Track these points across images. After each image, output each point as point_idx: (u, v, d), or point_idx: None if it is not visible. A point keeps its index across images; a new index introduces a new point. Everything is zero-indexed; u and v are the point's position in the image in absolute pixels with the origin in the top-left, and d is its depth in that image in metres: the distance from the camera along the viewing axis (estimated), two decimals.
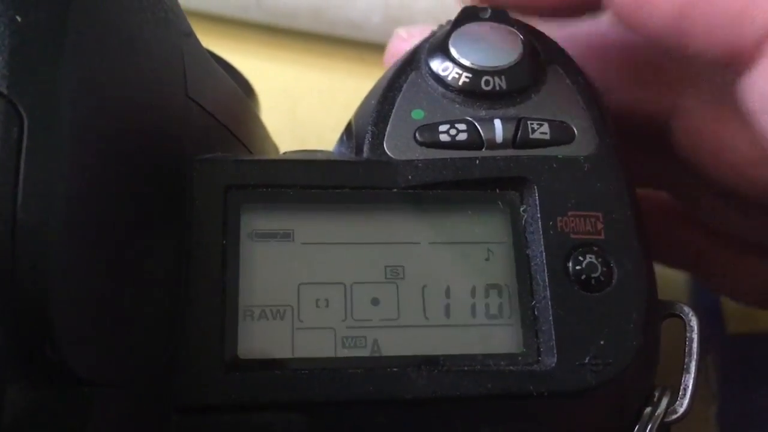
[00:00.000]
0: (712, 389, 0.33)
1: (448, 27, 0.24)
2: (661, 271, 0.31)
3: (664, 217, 0.30)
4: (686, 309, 0.22)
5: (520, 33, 0.23)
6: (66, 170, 0.16)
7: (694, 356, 0.22)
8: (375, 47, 0.45)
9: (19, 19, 0.17)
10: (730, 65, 0.22)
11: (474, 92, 0.22)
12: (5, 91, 0.16)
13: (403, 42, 0.27)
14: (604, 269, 0.21)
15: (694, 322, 0.22)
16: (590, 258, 0.21)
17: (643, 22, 0.22)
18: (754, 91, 0.21)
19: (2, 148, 0.16)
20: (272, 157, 0.23)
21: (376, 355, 0.20)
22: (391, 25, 0.43)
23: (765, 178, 0.24)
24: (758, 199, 0.25)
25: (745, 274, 0.30)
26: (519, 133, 0.22)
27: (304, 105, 0.44)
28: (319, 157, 0.22)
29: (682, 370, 0.22)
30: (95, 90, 0.18)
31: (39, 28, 0.17)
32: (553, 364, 0.20)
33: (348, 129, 0.24)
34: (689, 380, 0.21)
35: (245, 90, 0.29)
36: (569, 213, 0.21)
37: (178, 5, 0.22)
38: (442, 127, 0.22)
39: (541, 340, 0.20)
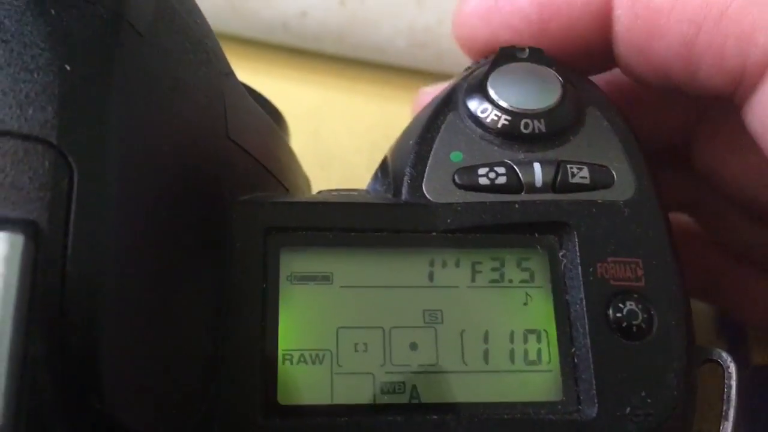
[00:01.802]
0: (737, 419, 0.32)
1: (486, 67, 0.23)
2: None
3: (684, 241, 0.30)
4: (724, 355, 0.22)
5: (559, 74, 0.23)
6: (114, 221, 0.17)
7: (733, 403, 0.21)
8: (399, 71, 0.45)
9: (68, 68, 0.17)
10: (736, 92, 0.22)
11: (513, 135, 0.22)
12: (55, 142, 0.16)
13: (430, 98, 0.27)
14: (645, 317, 0.21)
15: (732, 369, 0.22)
16: (630, 305, 0.21)
17: (653, 54, 0.23)
18: (759, 113, 0.22)
19: (52, 199, 0.16)
20: (310, 198, 0.23)
21: (415, 401, 0.20)
22: (416, 49, 0.43)
23: None
24: None
25: (762, 298, 0.30)
26: (559, 177, 0.22)
27: (327, 127, 0.44)
28: (356, 198, 0.22)
29: (720, 416, 0.21)
30: (141, 137, 0.18)
31: (87, 77, 0.17)
32: (594, 414, 0.20)
33: (384, 167, 0.24)
34: (728, 428, 0.21)
35: (276, 119, 0.29)
36: (609, 259, 0.21)
37: (218, 45, 0.22)
38: (482, 170, 0.22)
39: (581, 388, 0.20)
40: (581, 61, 0.25)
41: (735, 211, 0.28)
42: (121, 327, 0.16)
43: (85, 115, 0.17)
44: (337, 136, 0.44)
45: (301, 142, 0.43)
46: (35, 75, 0.17)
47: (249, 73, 0.31)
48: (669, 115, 0.27)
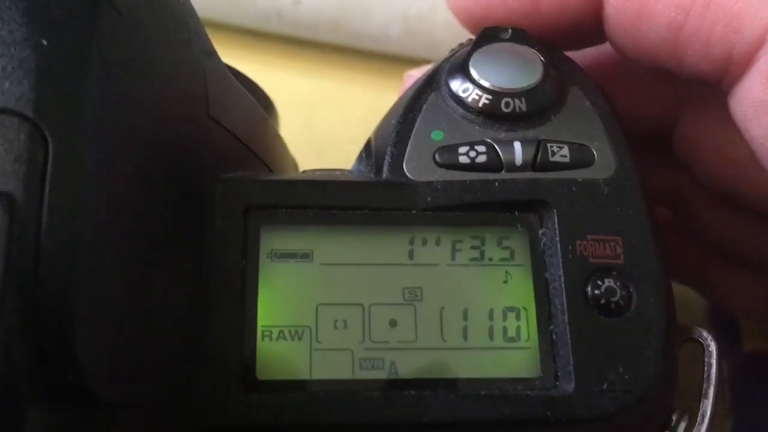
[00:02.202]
0: (727, 405, 0.32)
1: (468, 47, 0.24)
2: (678, 287, 0.31)
3: (665, 234, 0.30)
4: (705, 334, 0.22)
5: (541, 54, 0.23)
6: (90, 194, 0.17)
7: (713, 382, 0.21)
8: (394, 59, 0.45)
9: (44, 42, 0.17)
10: (722, 77, 0.22)
11: (494, 114, 0.22)
12: (31, 115, 0.16)
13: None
14: (623, 294, 0.21)
15: (713, 347, 0.22)
16: (609, 282, 0.21)
17: (641, 37, 0.23)
18: (742, 101, 0.22)
19: (27, 172, 0.16)
20: (292, 176, 0.23)
21: (394, 377, 0.20)
22: (410, 38, 0.43)
23: (764, 178, 0.25)
24: (757, 201, 0.26)
25: (739, 289, 0.30)
26: (539, 156, 0.22)
27: (322, 117, 0.44)
28: (339, 176, 0.22)
29: (701, 395, 0.21)
30: (119, 112, 0.18)
31: (64, 52, 0.17)
32: (571, 390, 0.20)
33: (367, 147, 0.24)
34: (707, 406, 0.21)
35: (265, 105, 0.29)
36: (588, 237, 0.21)
37: (201, 25, 0.22)
38: (462, 149, 0.22)
39: (559, 364, 0.20)
40: (572, 38, 0.25)
41: (712, 203, 0.28)
42: (96, 300, 0.16)
43: (61, 89, 0.17)
44: (331, 125, 0.44)
45: (295, 131, 0.43)
46: (12, 49, 0.17)
47: (243, 62, 0.31)
48: (655, 93, 0.27)
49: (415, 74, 0.28)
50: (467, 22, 0.25)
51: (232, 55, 0.29)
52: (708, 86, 0.23)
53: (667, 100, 0.27)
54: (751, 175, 0.25)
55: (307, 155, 0.35)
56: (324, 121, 0.44)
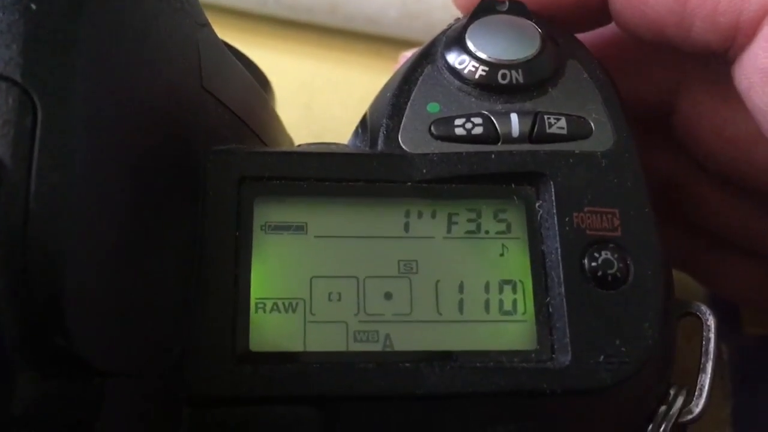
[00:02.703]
0: (727, 388, 0.32)
1: (465, 20, 0.23)
2: (676, 271, 0.31)
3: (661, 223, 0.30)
4: (703, 308, 0.22)
5: (539, 26, 0.23)
6: (79, 161, 0.16)
7: (711, 356, 0.21)
8: (391, 42, 0.45)
9: (33, 7, 0.17)
10: (729, 47, 0.22)
11: (490, 86, 0.22)
12: (19, 80, 0.16)
13: None
14: (621, 266, 0.20)
15: (711, 322, 0.21)
16: (606, 255, 0.20)
17: (647, 9, 0.23)
18: (747, 69, 0.22)
19: (15, 137, 0.16)
20: (286, 148, 0.23)
21: (389, 349, 0.20)
22: (408, 20, 0.43)
23: (763, 157, 0.24)
24: (756, 181, 0.25)
25: (733, 275, 0.30)
26: (536, 128, 0.22)
27: (320, 99, 0.44)
28: (334, 149, 0.22)
29: (699, 369, 0.21)
30: (109, 79, 0.18)
31: (53, 17, 0.17)
32: (568, 362, 0.20)
33: (363, 122, 0.24)
34: (705, 380, 0.21)
35: (261, 83, 0.29)
36: (585, 209, 0.21)
37: None
38: (458, 121, 0.22)
39: (556, 337, 0.20)
40: (576, 14, 0.24)
41: (710, 186, 0.28)
42: (86, 267, 0.16)
43: (50, 54, 0.17)
44: (330, 108, 0.44)
45: (294, 114, 0.43)
46: (0, 13, 0.17)
47: (240, 44, 0.30)
48: (656, 74, 0.27)
49: (410, 55, 0.27)
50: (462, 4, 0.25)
51: (229, 37, 0.28)
52: (711, 63, 0.23)
53: (668, 81, 0.26)
54: (752, 156, 0.25)
55: (306, 138, 0.34)
56: (322, 103, 0.44)
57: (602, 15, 0.24)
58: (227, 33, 0.28)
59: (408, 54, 0.28)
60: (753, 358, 0.33)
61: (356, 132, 0.24)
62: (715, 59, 0.23)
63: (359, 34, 0.45)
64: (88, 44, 0.17)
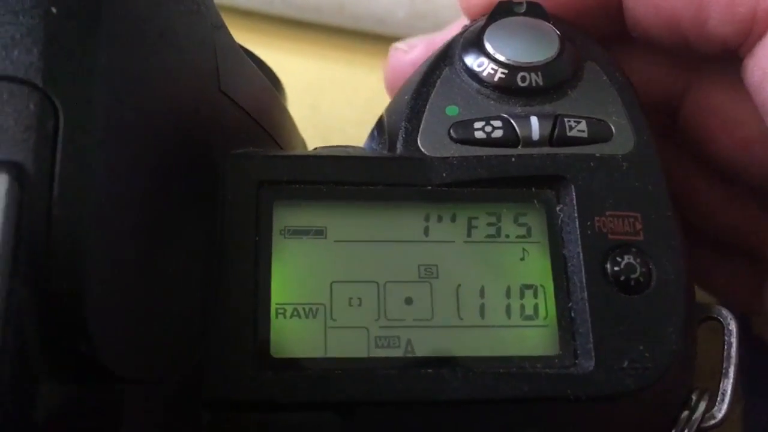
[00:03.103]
0: (738, 391, 0.32)
1: (483, 22, 0.23)
2: None
3: None
4: (725, 312, 0.21)
5: (557, 28, 0.23)
6: (101, 165, 0.16)
7: (733, 360, 0.21)
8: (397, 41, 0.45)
9: (54, 10, 0.17)
10: (743, 40, 0.22)
11: (510, 88, 0.22)
12: (40, 84, 0.16)
13: (404, 55, 0.27)
14: (643, 270, 0.20)
15: (732, 326, 0.21)
16: (629, 259, 0.20)
17: (663, 1, 0.22)
18: (762, 59, 0.21)
19: (37, 142, 0.15)
20: (305, 152, 0.23)
21: (410, 355, 0.20)
22: (416, 20, 0.43)
23: None
24: (763, 180, 0.25)
25: (724, 277, 0.29)
26: (556, 131, 0.21)
27: (327, 99, 0.44)
28: (352, 152, 0.22)
29: (720, 374, 0.21)
30: (129, 83, 0.17)
31: (73, 21, 0.17)
32: (591, 368, 0.19)
33: (380, 124, 0.24)
34: (728, 385, 0.21)
35: (274, 83, 0.28)
36: (607, 213, 0.21)
37: None
38: (477, 124, 0.22)
39: (578, 342, 0.20)
40: (593, 14, 0.24)
41: (713, 184, 0.27)
42: (108, 273, 0.16)
43: (71, 58, 0.16)
44: (337, 109, 0.44)
45: (301, 114, 0.43)
46: (20, 17, 0.16)
47: (247, 44, 0.30)
48: (665, 69, 0.26)
49: (401, 47, 0.27)
50: (470, 8, 0.25)
51: (236, 37, 0.28)
52: (722, 61, 0.23)
53: (676, 78, 0.26)
54: (759, 154, 0.25)
55: (313, 138, 0.34)
56: (329, 103, 0.44)
57: (618, 14, 0.24)
58: (234, 33, 0.28)
59: (399, 45, 0.27)
60: (763, 360, 0.33)
61: (372, 135, 0.24)
62: (725, 56, 0.23)
63: (366, 34, 0.45)
64: (108, 48, 0.17)
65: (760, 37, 0.21)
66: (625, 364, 0.19)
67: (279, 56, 0.44)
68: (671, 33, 0.23)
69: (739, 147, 0.25)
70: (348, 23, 0.44)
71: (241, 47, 0.25)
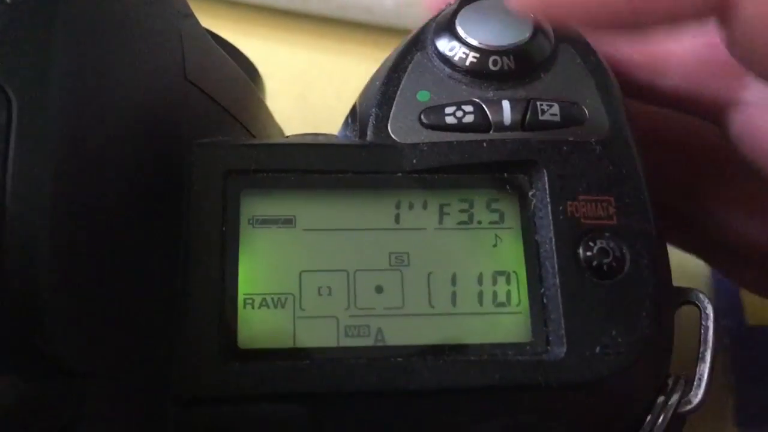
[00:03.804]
0: (730, 381, 0.32)
1: (455, 5, 0.23)
2: (680, 259, 0.30)
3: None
4: (701, 296, 0.21)
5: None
6: (58, 157, 0.16)
7: (710, 345, 0.21)
8: (387, 31, 0.44)
9: (8, 0, 0.16)
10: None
11: (481, 72, 0.22)
12: None
13: None
14: (616, 255, 0.20)
15: (709, 310, 0.21)
16: (601, 244, 0.20)
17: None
18: None
19: None
20: (273, 140, 0.23)
21: (380, 344, 0.20)
22: (404, 9, 0.42)
23: None
24: None
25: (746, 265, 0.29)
26: (528, 115, 0.21)
27: (315, 90, 0.43)
28: (322, 140, 0.22)
29: (697, 359, 0.21)
30: (87, 72, 0.17)
31: (28, 10, 0.17)
32: (563, 354, 0.19)
33: (353, 112, 0.23)
34: (704, 370, 0.21)
35: (250, 73, 0.28)
36: (580, 197, 0.20)
37: None
38: (449, 109, 0.21)
39: (550, 329, 0.20)
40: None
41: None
42: (64, 265, 0.16)
43: (25, 47, 0.16)
44: (325, 98, 0.43)
45: (288, 105, 0.42)
46: None
47: (233, 34, 0.30)
48: (711, 81, 0.24)
49: None
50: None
51: (223, 27, 0.28)
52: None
53: (724, 79, 0.24)
54: None
55: (301, 129, 0.34)
56: (317, 94, 0.43)
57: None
58: (220, 23, 0.27)
59: None
60: (755, 349, 0.33)
61: (346, 122, 0.24)
62: None
63: (355, 23, 0.44)
64: (64, 37, 0.17)
65: None
66: (598, 350, 0.19)
67: (266, 46, 0.44)
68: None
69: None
70: (336, 12, 0.44)
71: (217, 37, 0.25)
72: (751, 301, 0.33)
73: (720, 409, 0.31)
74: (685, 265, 0.31)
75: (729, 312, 0.33)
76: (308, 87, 0.43)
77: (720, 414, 0.31)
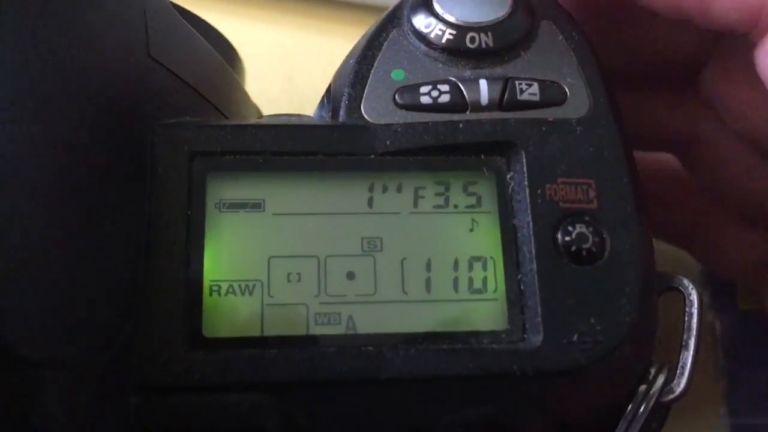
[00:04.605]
0: (720, 365, 0.31)
1: None
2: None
3: (664, 184, 0.29)
4: (686, 282, 0.21)
5: None
6: (5, 136, 0.15)
7: (694, 332, 0.20)
8: (376, 10, 0.43)
9: None
10: (752, 27, 0.20)
11: (458, 50, 0.21)
12: None
13: None
14: (596, 240, 0.19)
15: (694, 296, 0.20)
16: (581, 228, 0.19)
17: None
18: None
19: None
20: (242, 121, 0.22)
21: (351, 332, 0.19)
22: None
23: None
24: None
25: (736, 247, 0.28)
26: (506, 95, 0.20)
27: (302, 70, 0.42)
28: (292, 120, 0.21)
29: (680, 346, 0.20)
30: (39, 48, 0.16)
31: None
32: (539, 343, 0.19)
33: (327, 92, 0.23)
34: (688, 358, 0.20)
35: (226, 52, 0.27)
36: (559, 180, 0.20)
37: None
38: (424, 89, 0.20)
39: (527, 316, 0.19)
40: None
41: (735, 147, 0.26)
42: (14, 251, 0.15)
43: None
44: (312, 80, 0.42)
45: (275, 86, 0.42)
46: None
47: (218, 14, 0.29)
48: (683, 35, 0.25)
49: None
50: None
51: (206, 7, 0.27)
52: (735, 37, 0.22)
53: (698, 39, 0.25)
54: None
55: (287, 110, 0.33)
56: (304, 74, 0.42)
57: None
58: (204, 2, 0.26)
59: None
60: (746, 334, 0.32)
61: (322, 102, 0.23)
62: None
63: (342, 2, 0.43)
64: (13, 11, 0.16)
65: (765, 31, 0.20)
66: (575, 338, 0.19)
67: (251, 26, 0.43)
68: (673, 11, 0.22)
69: (762, 111, 0.24)
70: None
71: (189, 13, 0.24)
72: (743, 285, 0.33)
73: (711, 395, 0.31)
74: (677, 254, 0.30)
75: (721, 295, 0.33)
76: (295, 67, 0.42)
77: (711, 399, 0.31)
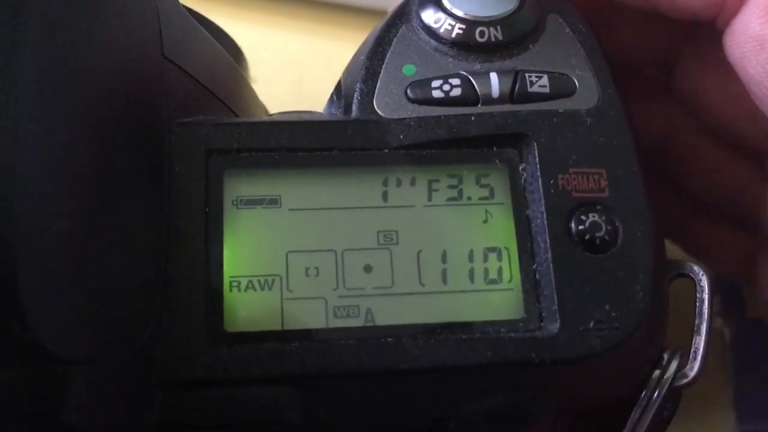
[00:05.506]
0: (729, 372, 0.31)
1: None
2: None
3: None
4: (696, 268, 0.21)
5: None
6: (32, 136, 0.16)
7: (705, 317, 0.20)
8: (384, 15, 0.43)
9: None
10: (717, 14, 0.21)
11: (468, 44, 0.21)
12: None
13: None
14: (609, 228, 0.20)
15: (704, 282, 0.21)
16: (593, 217, 0.20)
17: None
18: (739, 37, 0.20)
19: None
20: (256, 118, 0.22)
21: (370, 324, 0.19)
22: None
23: (763, 118, 0.23)
24: (757, 141, 0.24)
25: (718, 246, 0.29)
26: (517, 87, 0.21)
27: (311, 75, 0.43)
28: (307, 118, 0.21)
29: (692, 332, 0.20)
30: (61, 48, 0.17)
31: None
32: (556, 330, 0.19)
33: (337, 88, 0.23)
34: (700, 343, 0.20)
35: (233, 53, 0.28)
36: (571, 170, 0.20)
37: None
38: (435, 83, 0.21)
39: (543, 305, 0.19)
40: None
41: (709, 145, 0.26)
42: (42, 249, 0.15)
43: None
44: (321, 84, 0.43)
45: (285, 90, 0.42)
46: None
47: (228, 18, 0.29)
48: (659, 26, 0.25)
49: None
50: None
51: (217, 12, 0.27)
52: (702, 26, 0.22)
53: (670, 36, 0.25)
54: (753, 114, 0.24)
55: None
56: (313, 79, 0.43)
57: None
58: (215, 7, 0.27)
59: None
60: (755, 342, 0.32)
61: (331, 99, 0.23)
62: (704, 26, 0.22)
63: (351, 8, 0.44)
64: (36, 12, 0.16)
65: (734, 14, 0.20)
66: (591, 325, 0.19)
67: (261, 31, 0.43)
68: (640, 1, 0.22)
69: (734, 106, 0.24)
70: None
71: (198, 15, 0.25)
72: (751, 293, 0.33)
73: (719, 400, 0.31)
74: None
75: (729, 304, 0.33)
76: (305, 72, 0.43)
77: (719, 407, 0.31)
